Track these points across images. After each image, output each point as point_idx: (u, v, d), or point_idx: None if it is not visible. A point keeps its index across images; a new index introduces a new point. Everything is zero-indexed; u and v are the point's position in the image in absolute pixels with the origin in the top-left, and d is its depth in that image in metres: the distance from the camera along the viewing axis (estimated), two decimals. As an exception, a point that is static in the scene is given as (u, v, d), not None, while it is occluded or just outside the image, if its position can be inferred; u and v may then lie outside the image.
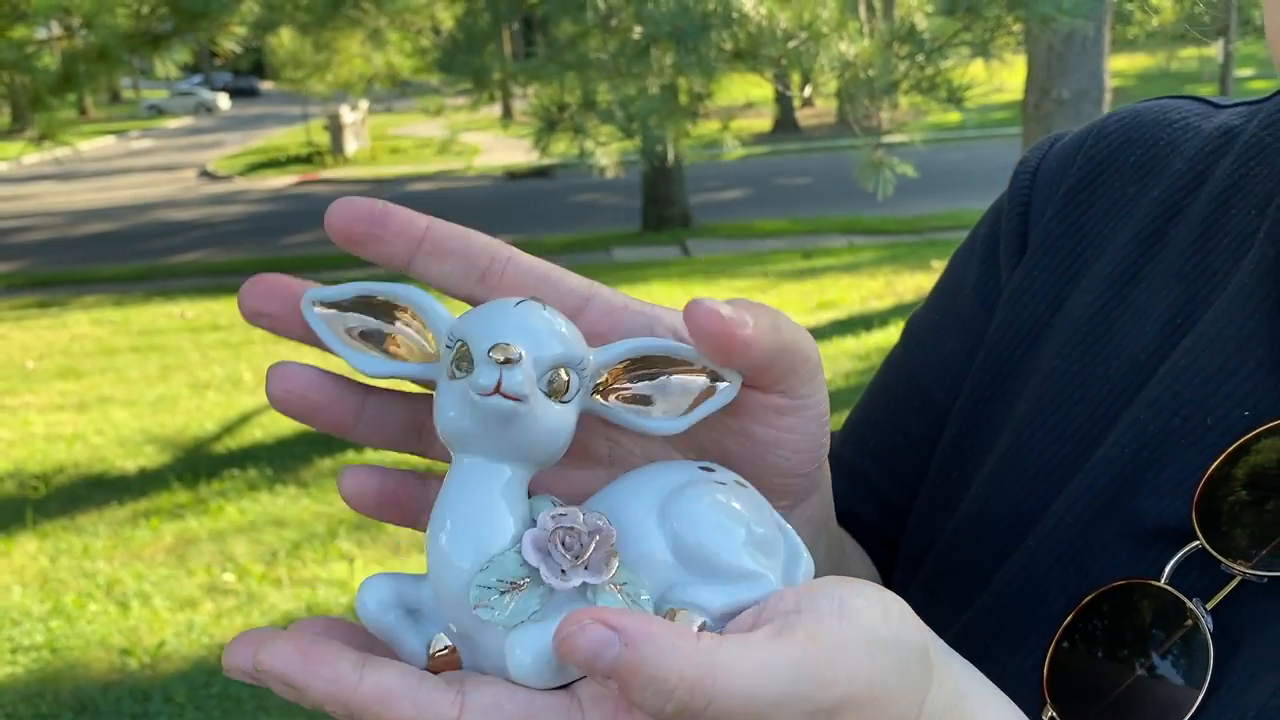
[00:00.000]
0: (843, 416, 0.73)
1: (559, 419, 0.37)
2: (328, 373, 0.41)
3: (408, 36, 9.62)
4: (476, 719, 0.33)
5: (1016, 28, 4.52)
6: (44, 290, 10.64)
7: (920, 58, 4.46)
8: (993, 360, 0.61)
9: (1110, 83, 6.59)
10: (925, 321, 0.68)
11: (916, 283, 8.48)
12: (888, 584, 0.67)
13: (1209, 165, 0.58)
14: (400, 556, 4.34)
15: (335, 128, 22.32)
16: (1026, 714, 0.41)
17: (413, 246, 0.40)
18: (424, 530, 0.38)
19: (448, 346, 0.38)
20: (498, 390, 0.35)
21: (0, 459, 5.68)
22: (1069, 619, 0.49)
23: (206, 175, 21.85)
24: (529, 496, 0.38)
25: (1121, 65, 24.27)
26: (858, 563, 0.63)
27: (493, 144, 23.08)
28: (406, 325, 0.39)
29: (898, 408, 0.67)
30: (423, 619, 0.37)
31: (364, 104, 24.56)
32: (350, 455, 5.38)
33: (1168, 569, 0.48)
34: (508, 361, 0.35)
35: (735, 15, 4.24)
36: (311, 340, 0.40)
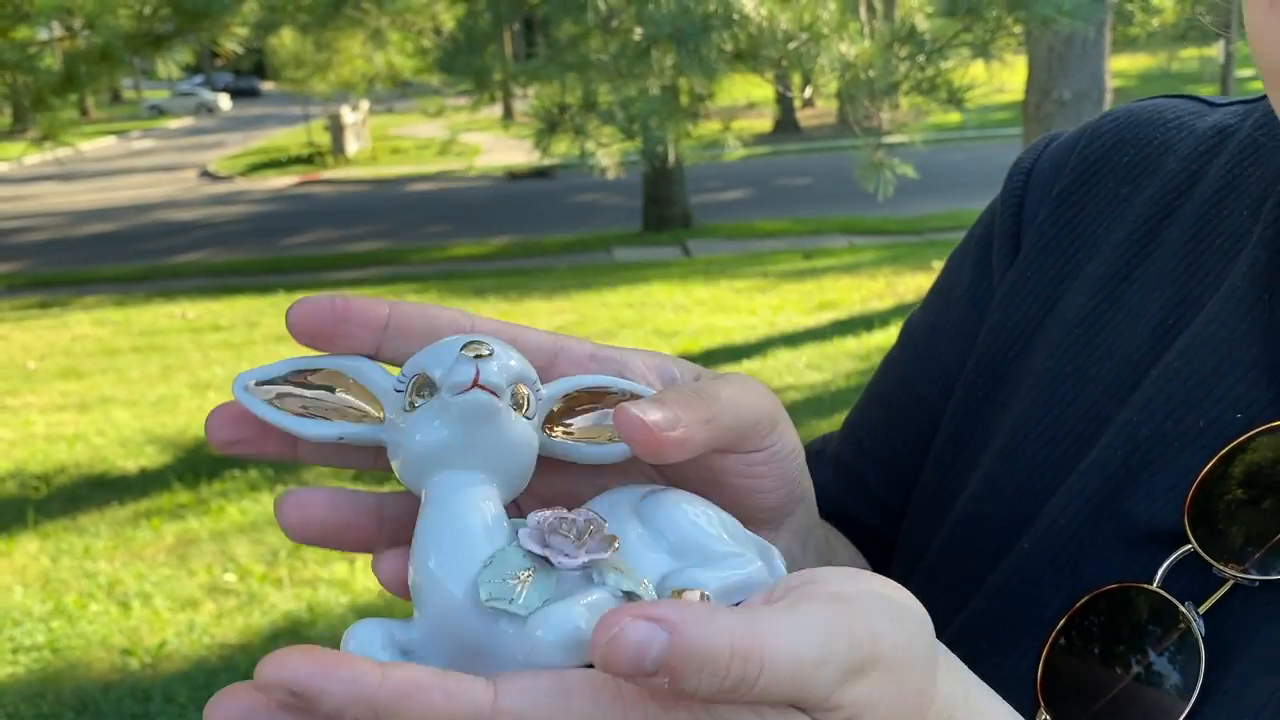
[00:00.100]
0: (843, 416, 0.73)
1: (526, 432, 0.38)
2: (338, 489, 0.40)
3: (409, 37, 9.62)
4: (512, 698, 0.31)
5: (1017, 29, 4.52)
6: (45, 290, 10.65)
7: (921, 59, 4.46)
8: (985, 362, 0.60)
9: (1111, 83, 6.60)
10: (920, 323, 0.68)
11: (917, 283, 8.48)
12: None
13: (1202, 165, 0.58)
14: (401, 557, 4.34)
15: (336, 128, 22.33)
16: (1021, 716, 0.41)
17: (378, 334, 0.40)
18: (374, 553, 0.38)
19: (398, 390, 0.38)
20: (475, 384, 0.35)
21: (1, 459, 5.68)
22: (1062, 622, 0.49)
23: (207, 175, 21.86)
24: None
25: (1122, 66, 24.27)
26: (847, 560, 0.63)
27: (493, 144, 23.08)
28: (346, 393, 0.39)
29: (893, 409, 0.67)
30: (417, 659, 0.36)
31: (365, 104, 24.57)
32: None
33: (1160, 572, 0.48)
34: (481, 357, 0.36)
35: (736, 16, 4.25)
36: (290, 455, 0.40)
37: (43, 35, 5.01)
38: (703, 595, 0.36)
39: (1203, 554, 0.46)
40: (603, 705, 0.32)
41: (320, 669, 0.30)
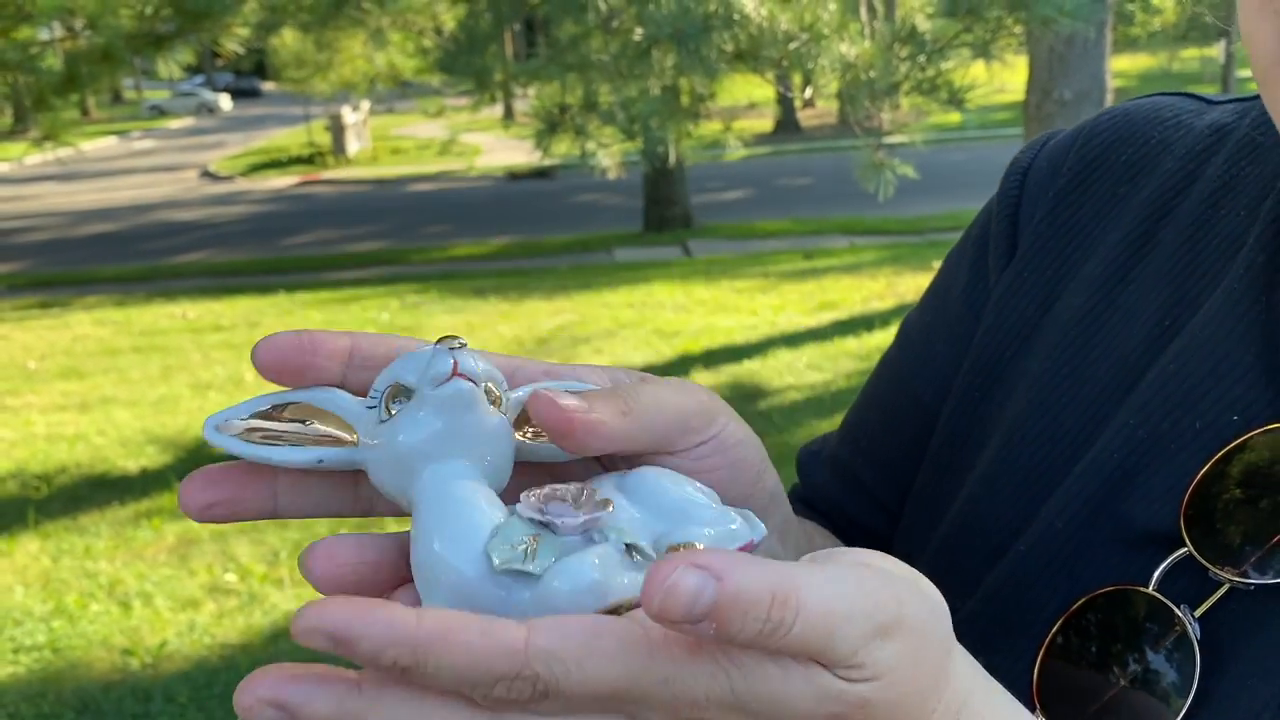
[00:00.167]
0: (844, 417, 0.73)
1: (504, 423, 0.39)
2: (362, 535, 0.40)
3: (409, 37, 9.62)
4: (545, 637, 0.32)
5: (1017, 29, 4.52)
6: (46, 290, 10.65)
7: (921, 59, 4.46)
8: (981, 363, 0.60)
9: (1112, 83, 6.60)
10: (917, 323, 0.68)
11: (918, 283, 8.48)
12: None
13: (1200, 164, 0.57)
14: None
15: (337, 128, 22.34)
16: (1030, 714, 0.41)
17: (344, 365, 0.41)
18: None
19: (370, 408, 0.39)
20: (455, 373, 0.37)
21: (2, 459, 5.69)
22: (1058, 625, 0.49)
23: (208, 176, 21.87)
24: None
25: (1123, 66, 24.27)
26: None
27: (494, 145, 23.09)
28: (319, 424, 0.40)
29: (889, 409, 0.67)
30: None
31: (365, 105, 24.58)
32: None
33: (1156, 575, 0.48)
34: (455, 349, 0.37)
35: (736, 17, 4.25)
36: (269, 514, 0.40)
37: (44, 35, 5.01)
38: (693, 545, 0.38)
39: (1198, 557, 0.46)
40: (630, 647, 0.32)
41: (358, 613, 0.31)
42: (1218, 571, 0.46)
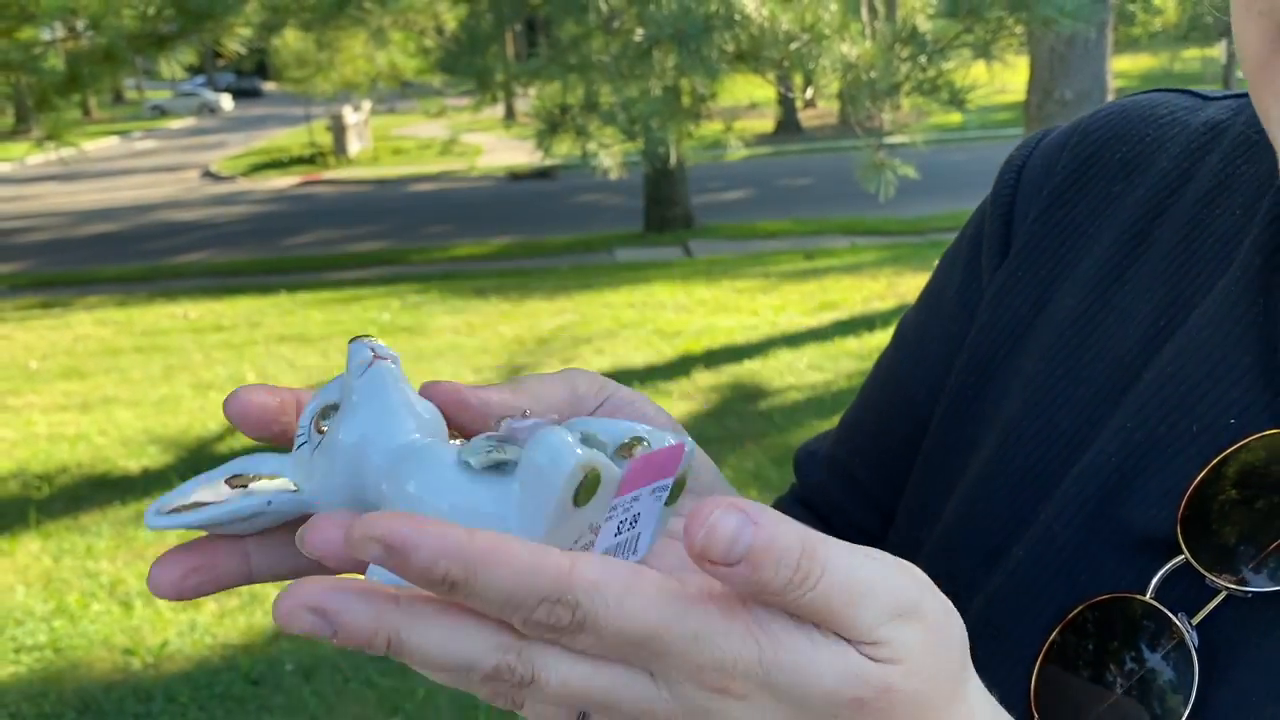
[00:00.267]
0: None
1: (435, 409, 0.41)
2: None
3: (410, 36, 9.63)
4: (589, 568, 0.32)
5: (1018, 29, 4.52)
6: (47, 290, 10.66)
7: (922, 59, 4.46)
8: (975, 362, 0.60)
9: (1113, 84, 6.60)
10: (912, 323, 0.67)
11: (918, 284, 8.47)
12: None
13: (1195, 162, 0.57)
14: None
15: (338, 128, 22.35)
16: None
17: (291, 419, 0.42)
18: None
19: (302, 443, 0.40)
20: (376, 356, 0.39)
21: (3, 459, 5.69)
22: (1056, 632, 0.49)
23: (209, 176, 21.88)
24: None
25: (1125, 66, 24.26)
26: None
27: (495, 145, 23.10)
28: (260, 483, 0.40)
29: (884, 409, 0.67)
30: None
31: (367, 105, 24.59)
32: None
33: (1154, 582, 0.47)
34: (368, 337, 0.40)
35: (737, 17, 4.25)
36: (245, 577, 0.41)
37: (46, 36, 5.01)
38: (646, 442, 0.40)
39: (1195, 564, 0.46)
40: (668, 595, 0.33)
41: (415, 524, 0.31)
42: (1214, 579, 0.45)
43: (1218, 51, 19.50)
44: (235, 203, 17.76)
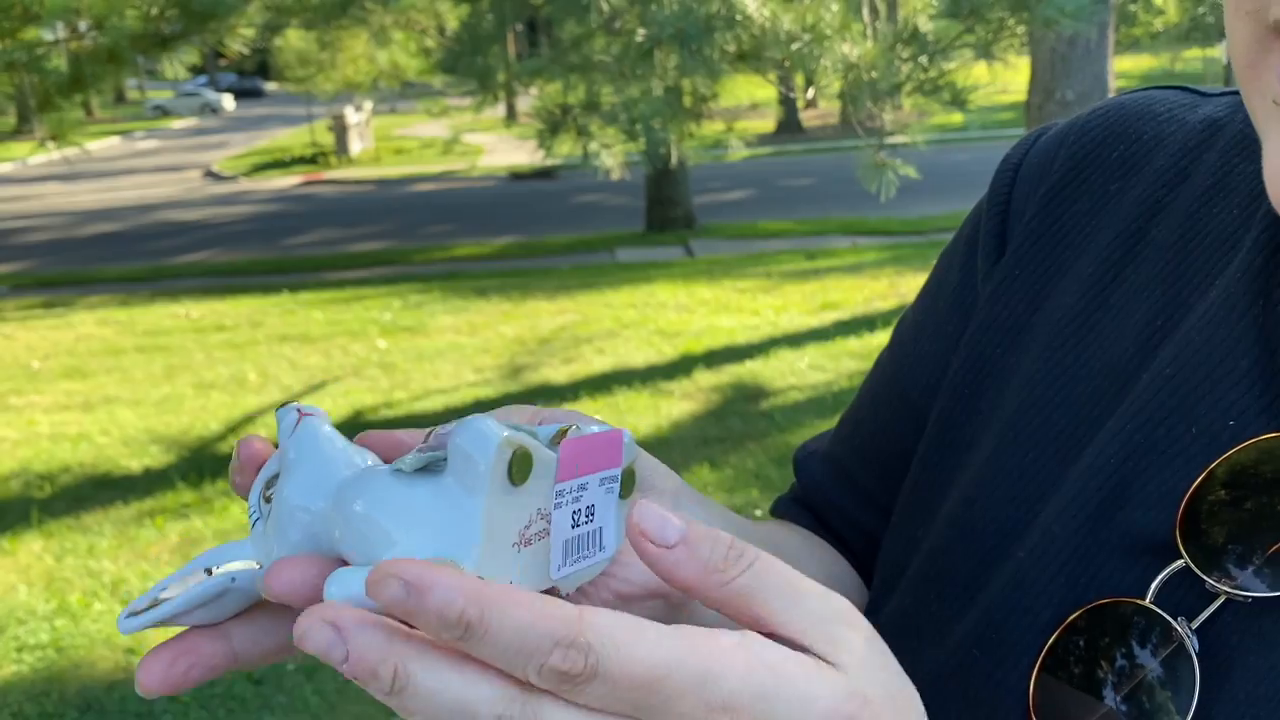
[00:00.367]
0: (843, 417, 0.74)
1: (363, 449, 0.43)
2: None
3: (412, 36, 9.64)
4: (596, 614, 0.33)
5: (1020, 30, 4.52)
6: (49, 290, 10.66)
7: (924, 60, 4.46)
8: (971, 361, 0.59)
9: (1114, 84, 6.60)
10: (910, 323, 0.67)
11: (919, 284, 8.40)
12: (868, 582, 0.66)
13: (1192, 161, 0.56)
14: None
15: (339, 128, 22.35)
16: None
17: None
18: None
19: (256, 519, 0.41)
20: (302, 415, 0.41)
21: (6, 458, 5.70)
22: (1054, 637, 0.48)
23: (211, 176, 21.89)
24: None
25: (1126, 66, 24.25)
26: (814, 566, 0.64)
27: (497, 145, 23.11)
28: (220, 569, 0.42)
29: (882, 408, 0.67)
30: None
31: (368, 105, 24.59)
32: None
33: (1153, 585, 0.47)
34: (293, 403, 0.42)
35: (739, 17, 4.26)
36: (231, 661, 0.42)
37: (49, 36, 5.02)
38: (576, 426, 0.42)
39: (1194, 568, 0.45)
40: (673, 635, 0.34)
41: (431, 567, 0.33)
42: (1214, 583, 0.45)
43: (1219, 52, 19.49)
44: (237, 203, 17.77)
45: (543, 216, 14.30)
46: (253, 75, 48.37)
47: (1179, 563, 0.46)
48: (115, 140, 30.95)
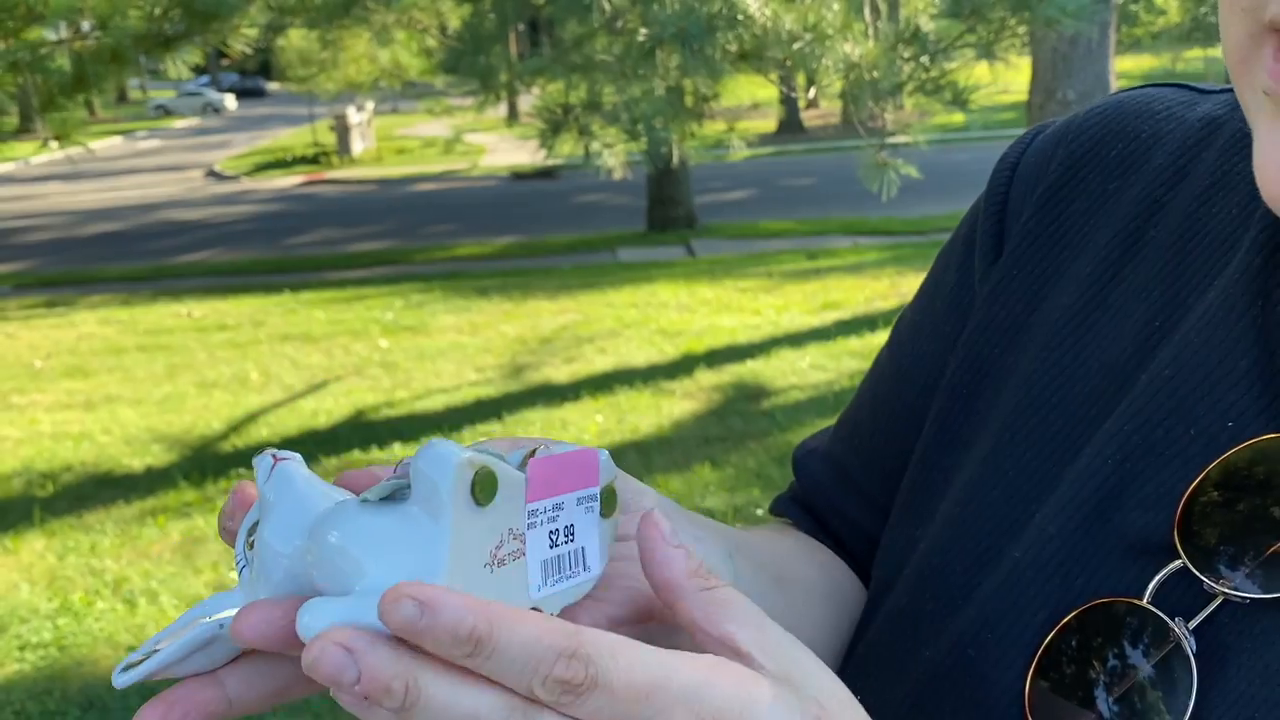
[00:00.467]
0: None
1: (336, 488, 0.43)
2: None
3: (414, 36, 9.63)
4: (594, 632, 0.36)
5: (1021, 30, 4.52)
6: (51, 290, 10.67)
7: (925, 59, 4.46)
8: (969, 361, 0.59)
9: (1116, 84, 6.60)
10: (908, 322, 0.67)
11: (920, 283, 8.47)
12: (867, 584, 0.66)
13: (1191, 159, 0.56)
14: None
15: (341, 128, 22.36)
16: None
17: None
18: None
19: (243, 566, 0.43)
20: (276, 460, 0.42)
21: (8, 457, 5.71)
22: (1051, 635, 0.49)
23: (213, 175, 21.90)
24: None
25: (1127, 66, 24.22)
26: (800, 570, 0.64)
27: (498, 144, 23.11)
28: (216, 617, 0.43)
29: (880, 407, 0.67)
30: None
31: (370, 105, 24.60)
32: (355, 455, 5.40)
33: (1151, 586, 0.47)
34: (267, 449, 0.43)
35: (740, 17, 4.26)
36: (226, 709, 0.43)
37: (52, 36, 5.02)
38: (546, 446, 0.43)
39: (1192, 569, 0.46)
40: (665, 650, 0.37)
41: (438, 591, 0.34)
42: (1212, 584, 0.45)
43: (1220, 51, 19.46)
44: (239, 202, 17.78)
45: (544, 216, 14.30)
46: (255, 75, 48.39)
47: (1176, 563, 0.46)
48: (117, 140, 30.97)
